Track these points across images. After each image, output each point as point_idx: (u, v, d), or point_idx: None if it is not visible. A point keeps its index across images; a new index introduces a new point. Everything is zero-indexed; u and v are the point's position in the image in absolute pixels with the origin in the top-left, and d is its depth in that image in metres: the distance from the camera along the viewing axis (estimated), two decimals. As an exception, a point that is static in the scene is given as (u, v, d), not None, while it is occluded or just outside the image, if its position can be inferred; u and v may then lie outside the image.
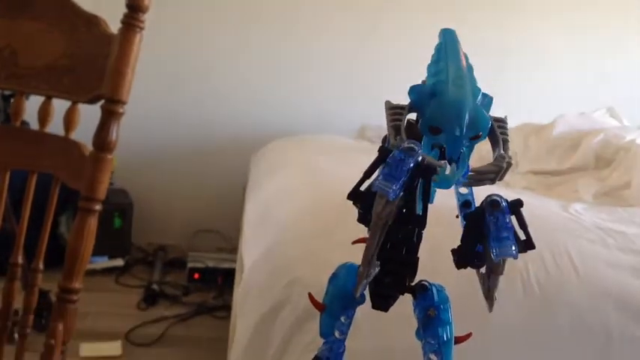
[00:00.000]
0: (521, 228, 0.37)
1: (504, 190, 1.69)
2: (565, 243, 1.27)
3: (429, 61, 0.39)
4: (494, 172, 0.36)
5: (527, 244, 0.37)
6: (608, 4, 2.95)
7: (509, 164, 0.36)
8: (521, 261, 1.21)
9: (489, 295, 0.37)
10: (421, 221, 0.37)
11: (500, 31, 2.91)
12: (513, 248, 0.35)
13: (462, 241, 0.37)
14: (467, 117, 0.35)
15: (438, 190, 0.41)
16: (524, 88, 2.96)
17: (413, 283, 0.40)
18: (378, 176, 0.34)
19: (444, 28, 0.39)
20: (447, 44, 0.39)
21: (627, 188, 1.77)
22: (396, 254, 0.38)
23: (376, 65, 2.84)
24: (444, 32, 0.39)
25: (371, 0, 2.86)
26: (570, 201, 1.63)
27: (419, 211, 0.37)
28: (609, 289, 1.21)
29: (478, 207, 0.37)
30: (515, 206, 0.36)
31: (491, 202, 0.36)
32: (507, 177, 1.50)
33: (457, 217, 0.40)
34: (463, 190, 0.39)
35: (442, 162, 0.35)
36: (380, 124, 2.55)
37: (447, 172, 0.35)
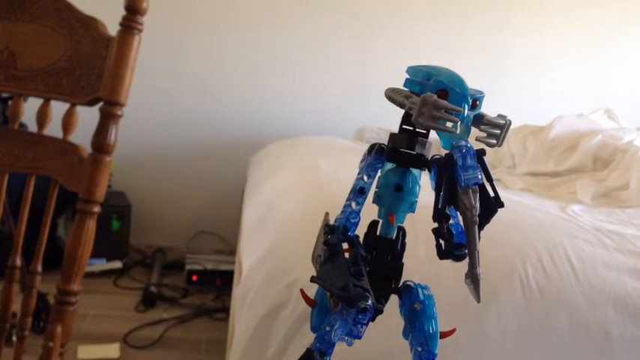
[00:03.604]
0: (487, 180, 0.38)
1: (503, 192, 1.69)
2: (563, 244, 1.27)
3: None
4: (500, 126, 0.39)
5: (497, 202, 0.38)
6: (607, 5, 2.96)
7: (510, 123, 0.39)
8: (519, 262, 1.21)
9: (473, 273, 0.37)
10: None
11: (498, 33, 2.92)
12: (479, 174, 0.37)
13: (435, 191, 0.39)
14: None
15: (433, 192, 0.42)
16: (522, 90, 2.96)
17: (399, 285, 0.42)
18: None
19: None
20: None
21: (625, 189, 1.77)
22: (383, 261, 0.41)
23: (375, 67, 2.85)
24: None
25: (371, 2, 2.86)
26: (568, 202, 1.63)
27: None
28: (608, 290, 1.21)
29: (447, 154, 0.39)
30: (479, 154, 0.38)
31: (457, 145, 0.38)
32: (505, 178, 1.50)
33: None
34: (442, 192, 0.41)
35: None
36: (378, 125, 2.56)
37: (457, 131, 0.38)
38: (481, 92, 0.40)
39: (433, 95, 0.37)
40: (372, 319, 0.41)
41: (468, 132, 0.39)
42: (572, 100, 2.93)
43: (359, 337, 0.37)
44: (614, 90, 3.01)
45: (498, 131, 0.39)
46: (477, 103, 0.39)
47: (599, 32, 2.98)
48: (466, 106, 0.38)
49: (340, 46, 2.86)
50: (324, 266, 0.39)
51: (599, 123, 2.29)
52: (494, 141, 0.40)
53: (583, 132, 2.08)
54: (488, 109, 0.40)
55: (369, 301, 0.36)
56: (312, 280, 0.38)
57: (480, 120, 0.40)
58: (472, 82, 0.39)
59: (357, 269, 0.39)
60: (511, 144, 2.13)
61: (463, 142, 0.38)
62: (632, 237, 1.37)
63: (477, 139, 0.40)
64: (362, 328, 0.36)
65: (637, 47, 3.04)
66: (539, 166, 2.01)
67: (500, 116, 0.40)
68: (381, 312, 0.41)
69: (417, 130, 0.40)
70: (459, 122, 0.38)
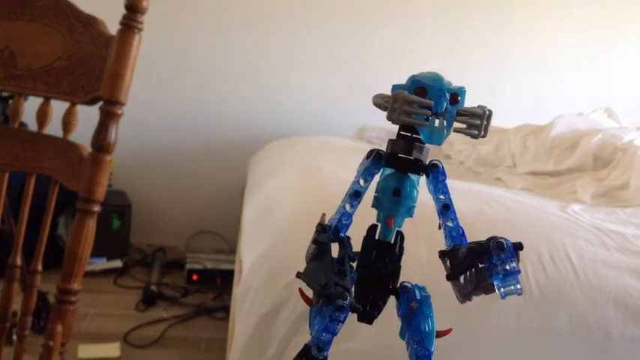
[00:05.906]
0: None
1: (503, 192, 1.70)
2: (563, 244, 1.27)
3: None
4: (479, 116, 0.39)
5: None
6: (608, 4, 2.96)
7: (491, 113, 0.39)
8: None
9: (468, 298, 0.40)
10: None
11: (499, 32, 2.91)
12: (518, 284, 0.38)
13: (460, 266, 0.40)
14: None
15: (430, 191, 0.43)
16: (523, 89, 2.96)
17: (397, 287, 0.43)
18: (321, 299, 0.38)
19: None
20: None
21: (625, 189, 1.77)
22: (380, 263, 0.42)
23: (375, 66, 2.85)
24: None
25: (371, 3, 2.86)
26: (568, 202, 1.63)
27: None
28: (608, 290, 1.21)
29: (483, 242, 0.39)
30: (516, 248, 0.39)
31: (498, 244, 0.39)
32: (506, 177, 1.50)
33: (440, 228, 0.42)
34: (441, 196, 0.42)
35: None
36: (379, 124, 2.56)
37: (436, 124, 0.38)
38: (462, 87, 0.39)
39: (403, 92, 0.37)
40: (370, 322, 0.41)
41: (450, 127, 0.39)
42: (572, 99, 2.93)
43: (334, 334, 0.37)
44: (615, 89, 3.01)
45: (478, 121, 0.39)
46: (458, 98, 0.39)
47: (599, 31, 2.98)
48: (445, 101, 0.38)
49: (341, 46, 2.86)
50: (311, 263, 0.40)
51: (600, 122, 2.29)
52: (476, 132, 0.39)
53: (583, 131, 2.08)
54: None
55: (347, 300, 0.36)
56: (298, 275, 0.39)
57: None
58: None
59: (341, 269, 0.39)
60: (511, 143, 2.13)
61: (502, 241, 0.39)
62: (632, 236, 1.36)
63: (456, 131, 0.39)
64: (338, 325, 0.37)
65: (637, 46, 3.04)
66: (539, 166, 2.01)
67: (479, 107, 0.40)
68: (375, 316, 0.41)
69: (414, 135, 0.40)
70: (441, 117, 0.38)
